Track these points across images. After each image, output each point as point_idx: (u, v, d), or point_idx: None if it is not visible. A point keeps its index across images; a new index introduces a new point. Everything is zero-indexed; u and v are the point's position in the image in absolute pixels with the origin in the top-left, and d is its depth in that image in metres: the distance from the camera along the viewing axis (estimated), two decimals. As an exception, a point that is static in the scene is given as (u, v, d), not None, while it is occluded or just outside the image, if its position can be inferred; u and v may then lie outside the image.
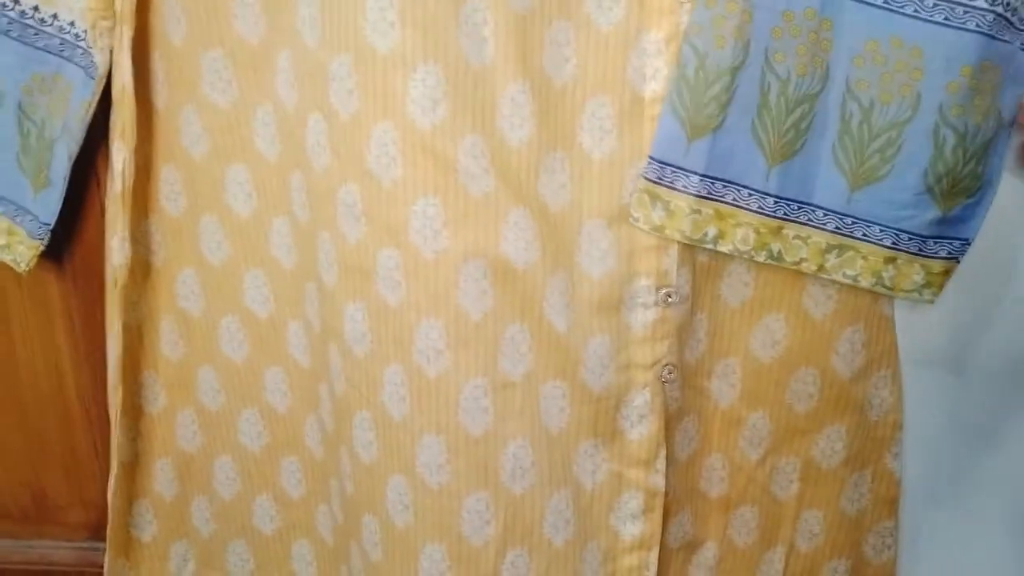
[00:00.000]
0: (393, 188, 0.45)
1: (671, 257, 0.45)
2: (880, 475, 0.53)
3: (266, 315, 0.54)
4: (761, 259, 0.45)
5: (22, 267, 0.53)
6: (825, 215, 0.43)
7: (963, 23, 0.39)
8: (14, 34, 0.49)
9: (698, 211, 0.43)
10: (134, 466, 0.59)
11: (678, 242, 0.45)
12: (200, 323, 0.55)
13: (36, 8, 0.48)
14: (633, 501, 0.49)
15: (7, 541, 0.67)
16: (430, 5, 0.42)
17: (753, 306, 0.49)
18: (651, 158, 0.42)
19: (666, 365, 0.47)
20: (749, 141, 0.42)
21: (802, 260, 0.45)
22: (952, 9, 0.39)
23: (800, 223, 0.44)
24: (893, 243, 0.43)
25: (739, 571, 0.54)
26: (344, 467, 0.52)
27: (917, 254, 0.44)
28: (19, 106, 0.50)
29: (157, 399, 0.58)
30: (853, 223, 0.43)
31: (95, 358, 0.61)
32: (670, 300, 0.46)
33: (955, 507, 0.54)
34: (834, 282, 0.47)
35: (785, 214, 0.43)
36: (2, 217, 0.53)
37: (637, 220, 0.43)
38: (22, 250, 0.53)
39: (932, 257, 0.44)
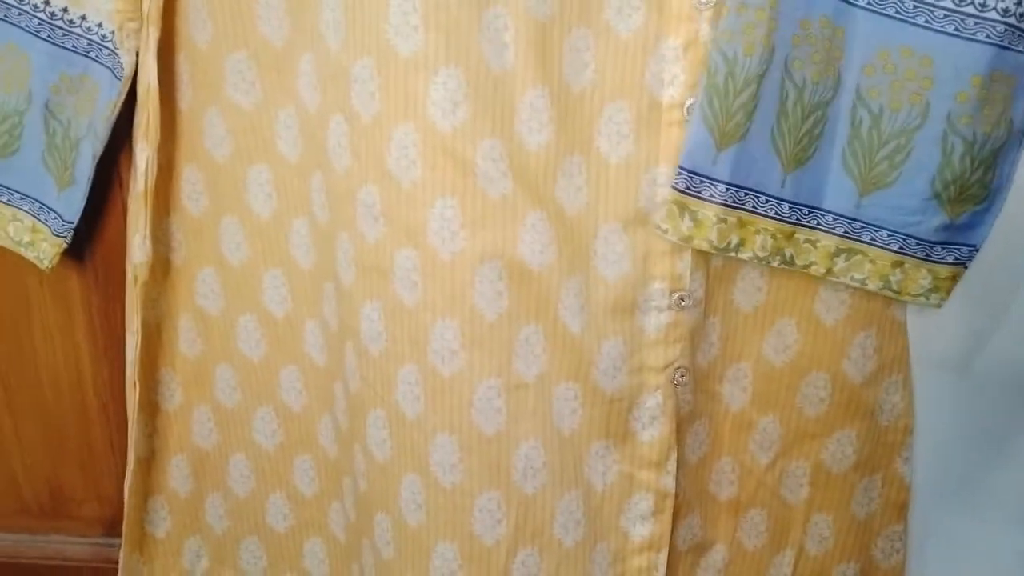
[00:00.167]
0: (412, 189, 0.46)
1: (685, 261, 0.46)
2: (890, 480, 0.53)
3: (283, 314, 0.54)
4: (775, 264, 0.45)
5: (45, 264, 0.54)
6: (834, 219, 0.44)
7: (973, 34, 0.40)
8: (43, 35, 0.50)
9: (724, 220, 0.43)
10: (150, 462, 0.60)
11: (693, 247, 0.46)
12: (218, 321, 0.56)
13: (65, 10, 0.49)
14: (643, 502, 0.49)
15: (23, 535, 0.68)
16: (453, 10, 0.43)
17: (765, 311, 0.49)
18: (681, 168, 0.42)
19: (678, 368, 0.48)
20: (768, 148, 0.42)
21: (812, 263, 0.45)
22: (962, 20, 0.40)
23: (811, 227, 0.44)
24: (900, 248, 0.44)
25: (748, 574, 0.54)
26: (358, 465, 0.53)
27: (924, 259, 0.44)
28: (46, 105, 0.51)
29: (174, 396, 0.58)
30: (861, 227, 0.44)
31: (113, 354, 0.62)
32: (683, 304, 0.47)
33: (964, 513, 0.54)
34: (844, 286, 0.47)
35: (798, 219, 0.44)
36: (26, 215, 0.53)
37: (666, 232, 0.44)
38: (45, 247, 0.53)
39: (939, 262, 0.44)
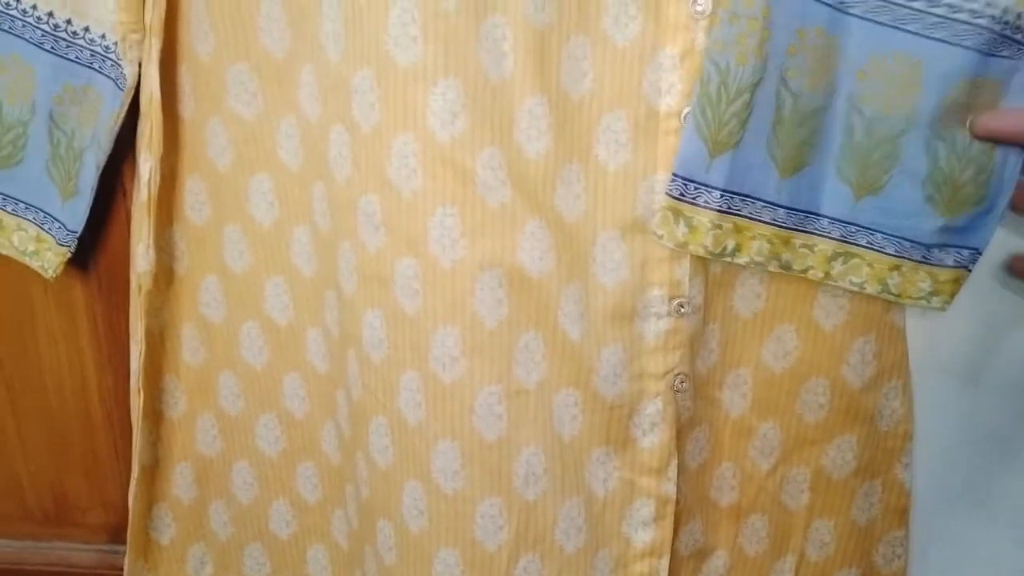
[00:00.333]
0: (412, 199, 0.46)
1: (684, 268, 0.46)
2: (890, 485, 0.53)
3: (286, 322, 0.55)
4: (772, 269, 0.45)
5: (49, 273, 0.54)
6: (831, 224, 0.44)
7: (961, 40, 0.40)
8: (47, 46, 0.50)
9: (719, 226, 0.44)
10: (154, 470, 0.60)
11: (691, 254, 0.46)
12: (221, 329, 0.56)
13: (69, 21, 0.50)
14: (644, 509, 0.50)
15: (28, 542, 0.68)
16: (451, 20, 0.43)
17: (764, 317, 0.50)
18: (675, 175, 0.43)
19: (678, 375, 0.48)
20: (764, 156, 0.43)
21: (809, 268, 0.45)
22: (952, 26, 0.40)
23: (807, 232, 0.45)
24: (896, 251, 0.44)
25: (749, 580, 0.55)
26: (360, 472, 0.53)
27: (922, 261, 0.44)
28: (50, 116, 0.52)
29: (178, 404, 0.59)
30: (857, 231, 0.44)
31: (118, 362, 0.62)
32: (683, 311, 0.47)
33: (969, 519, 0.54)
34: (843, 291, 0.47)
35: (794, 224, 0.44)
36: (31, 224, 0.54)
37: (662, 237, 0.44)
38: (50, 256, 0.54)
39: (938, 265, 0.44)
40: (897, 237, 0.44)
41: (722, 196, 0.43)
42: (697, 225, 0.43)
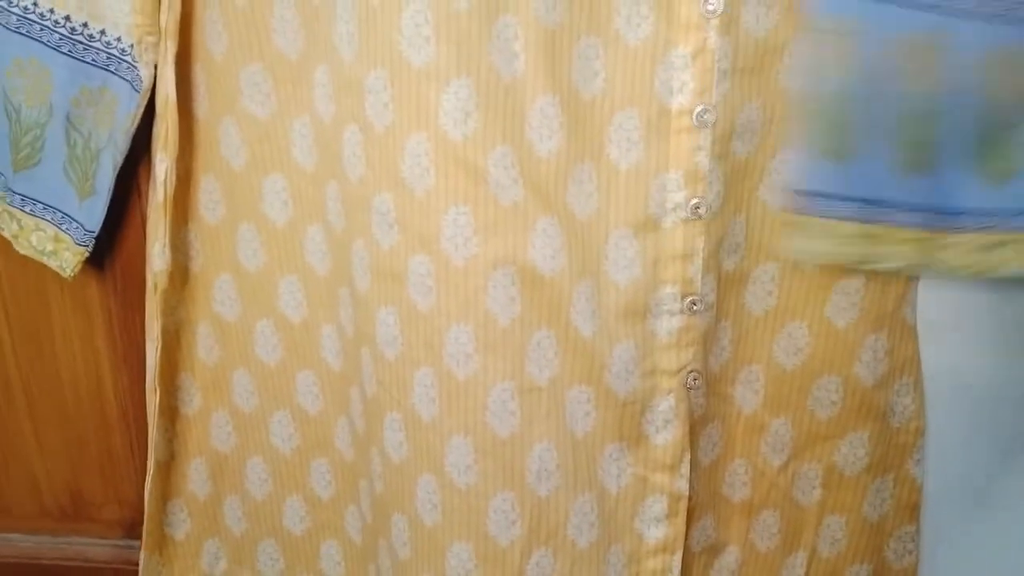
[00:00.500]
0: (426, 197, 0.47)
1: (696, 266, 0.46)
2: (902, 481, 0.54)
3: (299, 320, 0.55)
4: (918, 272, 0.45)
5: (67, 272, 0.55)
6: (969, 217, 0.44)
7: None
8: (64, 49, 0.51)
9: (850, 234, 0.44)
10: (169, 466, 0.61)
11: (703, 251, 0.46)
12: (235, 327, 0.57)
13: (85, 24, 0.51)
14: (657, 505, 0.50)
15: (45, 537, 0.69)
16: (463, 21, 0.44)
17: (776, 314, 0.50)
18: (797, 191, 0.43)
19: (691, 372, 0.48)
20: (889, 160, 0.43)
21: (958, 266, 0.44)
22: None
23: (946, 229, 0.44)
24: None
25: (761, 575, 0.55)
26: (375, 467, 0.54)
27: None
28: (67, 117, 0.52)
29: (192, 401, 0.59)
30: (997, 220, 0.44)
31: (133, 360, 0.63)
32: (695, 308, 0.47)
33: (978, 514, 0.54)
34: (854, 289, 0.47)
35: (932, 224, 0.44)
36: (49, 224, 0.55)
37: (799, 252, 0.44)
38: (68, 256, 0.55)
39: None
40: None
41: (853, 203, 0.43)
42: (830, 234, 0.44)
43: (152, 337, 0.56)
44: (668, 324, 0.47)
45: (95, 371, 0.64)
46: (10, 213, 0.55)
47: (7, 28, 0.51)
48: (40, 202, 0.54)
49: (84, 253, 0.54)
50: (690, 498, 0.50)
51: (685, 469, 0.49)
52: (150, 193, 0.54)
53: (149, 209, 0.55)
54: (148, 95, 0.51)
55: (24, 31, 0.51)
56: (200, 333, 0.58)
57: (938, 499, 0.54)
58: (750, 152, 0.46)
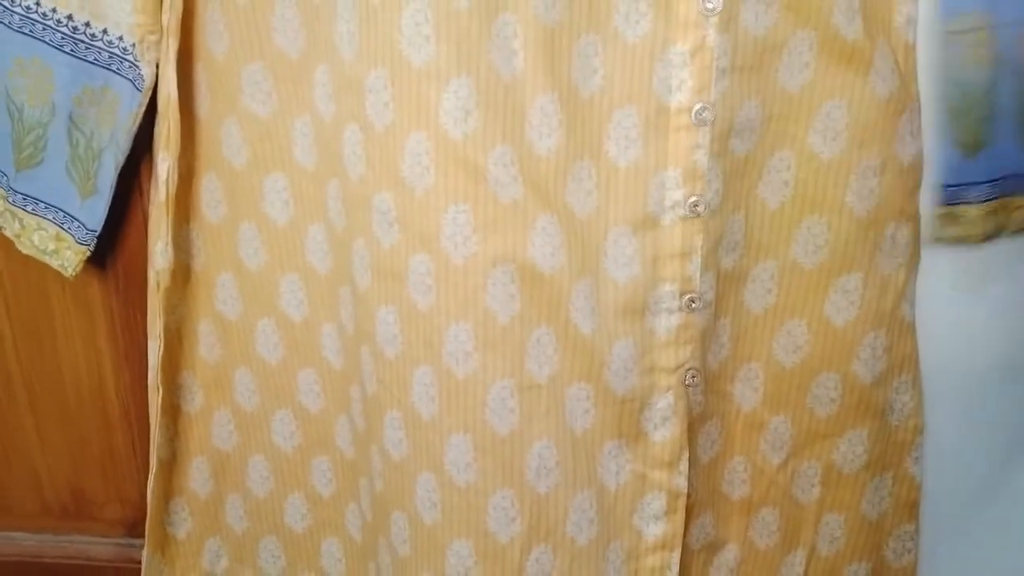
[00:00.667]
0: (425, 196, 0.47)
1: (695, 264, 0.47)
2: (901, 479, 0.54)
3: (300, 319, 0.55)
4: None
5: (69, 272, 0.55)
6: None
7: None
8: (67, 49, 0.51)
9: (989, 212, 0.47)
10: (171, 464, 0.61)
11: (702, 249, 0.46)
12: (236, 326, 0.57)
13: (87, 24, 0.51)
14: (656, 502, 0.50)
15: (47, 536, 0.69)
16: (463, 20, 0.44)
17: (775, 312, 0.50)
18: (940, 184, 0.46)
19: (689, 369, 0.48)
20: (1014, 140, 0.45)
21: None
22: None
23: None
24: None
25: (760, 573, 0.55)
26: (375, 465, 0.54)
27: None
28: (69, 117, 0.52)
29: (194, 399, 0.60)
30: None
31: (134, 359, 0.63)
32: (694, 306, 0.47)
33: (977, 513, 0.54)
34: (853, 287, 0.48)
35: None
36: (51, 224, 0.55)
37: (942, 239, 0.47)
38: (69, 255, 0.55)
39: None
40: None
41: (985, 187, 0.46)
42: (972, 219, 0.47)
43: (154, 335, 0.56)
44: (667, 322, 0.47)
45: (97, 369, 0.64)
46: (12, 212, 0.55)
47: (9, 28, 0.51)
48: (42, 201, 0.54)
49: (86, 252, 0.55)
50: (689, 495, 0.50)
51: (684, 466, 0.49)
52: (152, 192, 0.55)
53: (151, 208, 0.55)
54: (150, 94, 0.51)
55: (26, 31, 0.51)
56: (202, 331, 0.58)
57: (937, 497, 0.54)
58: (749, 150, 0.47)
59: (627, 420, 0.49)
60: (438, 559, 0.52)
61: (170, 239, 0.53)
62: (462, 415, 0.50)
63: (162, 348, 0.56)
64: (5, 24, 0.51)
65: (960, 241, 0.47)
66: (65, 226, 0.55)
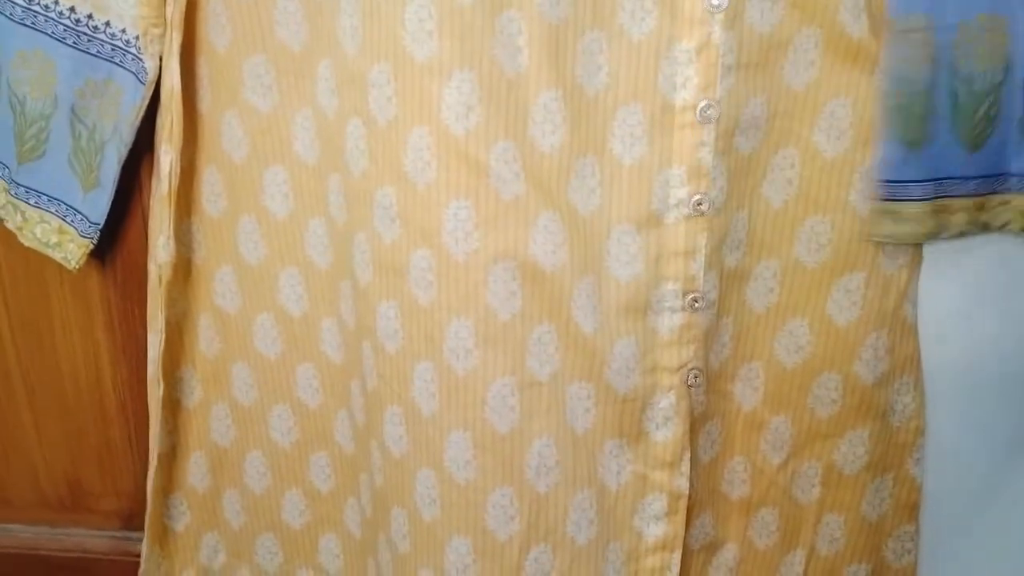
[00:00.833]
0: (427, 191, 0.47)
1: (698, 263, 0.46)
2: (901, 480, 0.54)
3: (300, 313, 0.55)
4: (974, 233, 0.48)
5: (72, 264, 0.55)
6: (1020, 180, 0.47)
7: None
8: (69, 41, 0.51)
9: (925, 212, 0.47)
10: (170, 459, 0.61)
11: (705, 247, 0.46)
12: (235, 320, 0.57)
13: (90, 16, 0.51)
14: (657, 503, 0.50)
15: (44, 528, 0.69)
16: (467, 15, 0.44)
17: (778, 311, 0.50)
18: (879, 180, 0.46)
19: (691, 369, 0.48)
20: (951, 140, 0.46)
21: (1007, 223, 0.48)
22: None
23: (1000, 192, 0.48)
24: None
25: (759, 573, 0.55)
26: (375, 460, 0.54)
27: None
28: (72, 109, 0.52)
29: (193, 393, 0.59)
30: None
31: (132, 353, 0.63)
32: (697, 305, 0.47)
33: (979, 517, 0.54)
34: (855, 287, 0.48)
35: (988, 189, 0.47)
36: (53, 216, 0.55)
37: (876, 235, 0.47)
38: (72, 248, 0.55)
39: None
40: None
41: (923, 186, 0.46)
42: (907, 217, 0.46)
43: (155, 329, 0.56)
44: (669, 321, 0.47)
45: (94, 363, 0.64)
46: (14, 205, 0.55)
47: (12, 20, 0.51)
48: (44, 194, 0.54)
49: (89, 245, 0.54)
50: (689, 496, 0.50)
51: (685, 467, 0.49)
52: (153, 185, 0.54)
53: (152, 201, 0.55)
54: (153, 87, 0.51)
55: (29, 23, 0.51)
56: (201, 325, 0.58)
57: (938, 499, 0.54)
58: (753, 148, 0.47)
59: (628, 420, 0.49)
60: (437, 556, 0.52)
61: (172, 232, 0.53)
62: (462, 412, 0.50)
63: (162, 342, 0.56)
64: (7, 16, 0.51)
65: (898, 240, 0.47)
66: (68, 219, 0.55)
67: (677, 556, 0.51)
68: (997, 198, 0.48)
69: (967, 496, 0.54)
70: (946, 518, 0.54)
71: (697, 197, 0.45)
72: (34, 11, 0.51)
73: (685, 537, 0.51)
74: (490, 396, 0.49)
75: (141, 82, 0.51)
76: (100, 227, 0.54)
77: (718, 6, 0.43)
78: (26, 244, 0.55)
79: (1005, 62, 0.45)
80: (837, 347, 0.50)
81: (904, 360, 0.51)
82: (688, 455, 0.49)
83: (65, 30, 0.51)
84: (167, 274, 0.54)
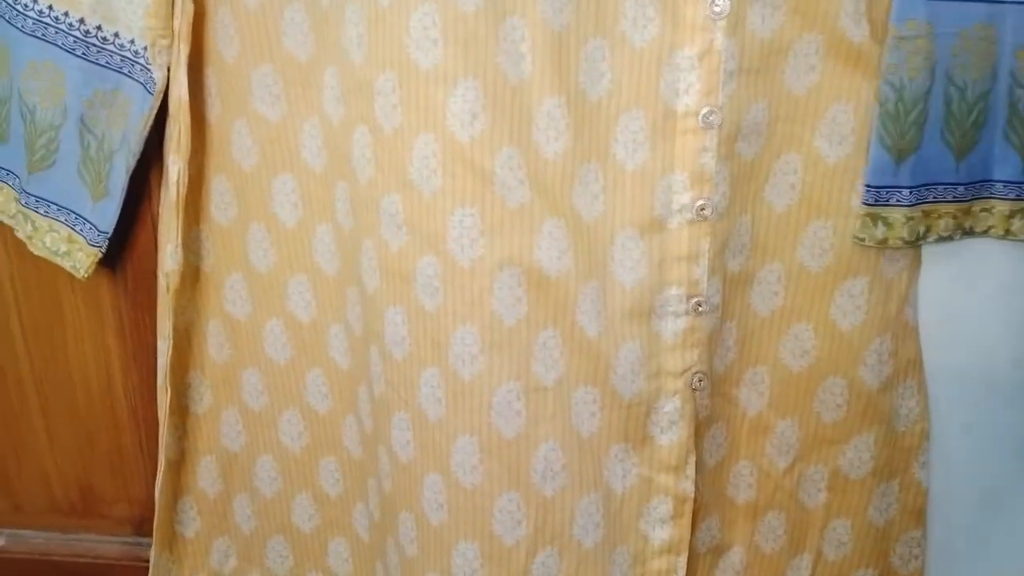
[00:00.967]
0: (433, 199, 0.47)
1: (702, 267, 0.47)
2: (908, 485, 0.53)
3: (308, 319, 0.56)
4: (958, 237, 0.49)
5: (81, 273, 0.56)
6: (1005, 186, 0.48)
7: None
8: (78, 52, 0.52)
9: (912, 217, 0.47)
10: (180, 464, 0.61)
11: (708, 252, 0.46)
12: (245, 326, 0.57)
13: (99, 27, 0.51)
14: (662, 506, 0.50)
15: (56, 534, 0.70)
16: (471, 23, 0.44)
17: (782, 315, 0.50)
18: (867, 185, 0.47)
19: (696, 373, 0.48)
20: (941, 147, 0.47)
21: (990, 228, 0.49)
22: None
23: (984, 198, 0.48)
24: None
25: (766, 577, 0.55)
26: (383, 466, 0.54)
27: None
28: (81, 119, 0.53)
29: (203, 399, 0.60)
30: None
31: (143, 359, 0.63)
32: (700, 309, 0.47)
33: (985, 522, 0.54)
34: (859, 291, 0.49)
35: (973, 195, 0.48)
36: (63, 226, 0.55)
37: (863, 240, 0.48)
38: (81, 257, 0.55)
39: None
40: None
41: (911, 192, 0.47)
42: (893, 222, 0.47)
43: (164, 336, 0.56)
44: (673, 325, 0.47)
45: (105, 370, 0.65)
46: (25, 214, 0.55)
47: (23, 31, 0.52)
48: (54, 203, 0.55)
49: (98, 254, 0.55)
50: (695, 499, 0.50)
51: (691, 471, 0.49)
52: (162, 194, 0.55)
53: (161, 210, 0.55)
54: (161, 97, 0.51)
55: (39, 34, 0.52)
56: (210, 332, 0.59)
57: (944, 503, 0.54)
58: (756, 153, 0.47)
59: (633, 424, 0.49)
60: (444, 560, 0.52)
61: (180, 241, 0.53)
62: (468, 417, 0.50)
63: (171, 349, 0.56)
64: (18, 28, 0.52)
65: (882, 244, 0.48)
66: (77, 228, 0.55)
67: (683, 559, 0.51)
68: (980, 204, 0.48)
69: (973, 501, 0.54)
70: (952, 524, 0.54)
71: (700, 202, 0.45)
72: (45, 23, 0.51)
73: (691, 540, 0.51)
74: (496, 401, 0.50)
75: (149, 92, 0.51)
76: (108, 236, 0.54)
77: (720, 12, 0.43)
78: (36, 253, 0.56)
79: (993, 71, 0.46)
80: (842, 351, 0.50)
81: (907, 364, 0.51)
82: (693, 459, 0.49)
83: (75, 41, 0.52)
84: (175, 282, 0.54)
